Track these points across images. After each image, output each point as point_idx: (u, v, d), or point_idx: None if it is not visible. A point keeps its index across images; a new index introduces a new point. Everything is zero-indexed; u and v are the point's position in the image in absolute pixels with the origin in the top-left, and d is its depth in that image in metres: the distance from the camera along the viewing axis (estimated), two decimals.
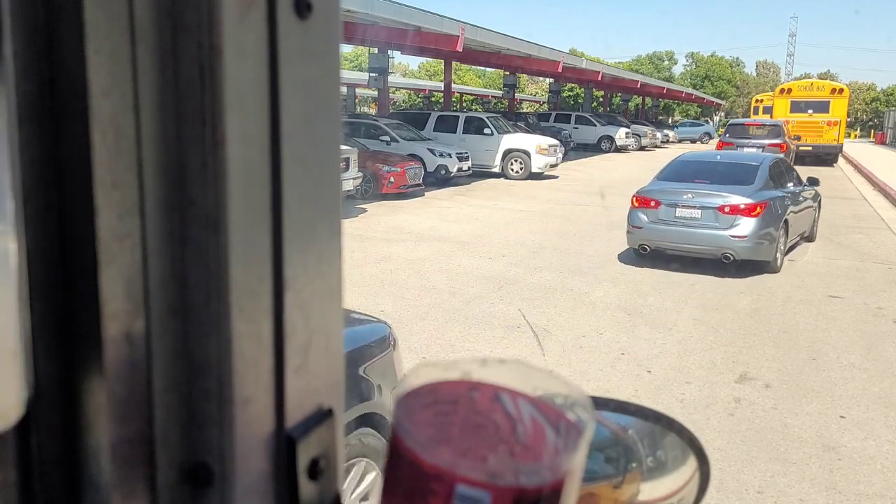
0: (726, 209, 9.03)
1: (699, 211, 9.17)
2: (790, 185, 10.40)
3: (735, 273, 9.13)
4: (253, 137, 0.37)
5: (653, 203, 9.46)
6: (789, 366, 6.03)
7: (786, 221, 9.54)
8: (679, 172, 10.18)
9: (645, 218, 9.48)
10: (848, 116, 40.70)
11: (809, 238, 11.51)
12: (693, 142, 45.76)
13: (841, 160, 31.37)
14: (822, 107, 30.67)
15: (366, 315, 3.45)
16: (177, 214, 0.37)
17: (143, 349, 0.37)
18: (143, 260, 0.36)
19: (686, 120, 55.62)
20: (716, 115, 74.80)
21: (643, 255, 9.69)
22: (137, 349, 0.36)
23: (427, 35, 19.15)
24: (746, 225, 8.95)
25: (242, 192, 0.37)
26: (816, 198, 11.55)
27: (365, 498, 2.92)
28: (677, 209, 9.29)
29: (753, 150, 18.65)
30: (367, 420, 2.84)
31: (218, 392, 0.38)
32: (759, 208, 9.01)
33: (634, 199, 9.72)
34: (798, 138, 28.08)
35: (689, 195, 9.29)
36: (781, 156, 12.14)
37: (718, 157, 11.64)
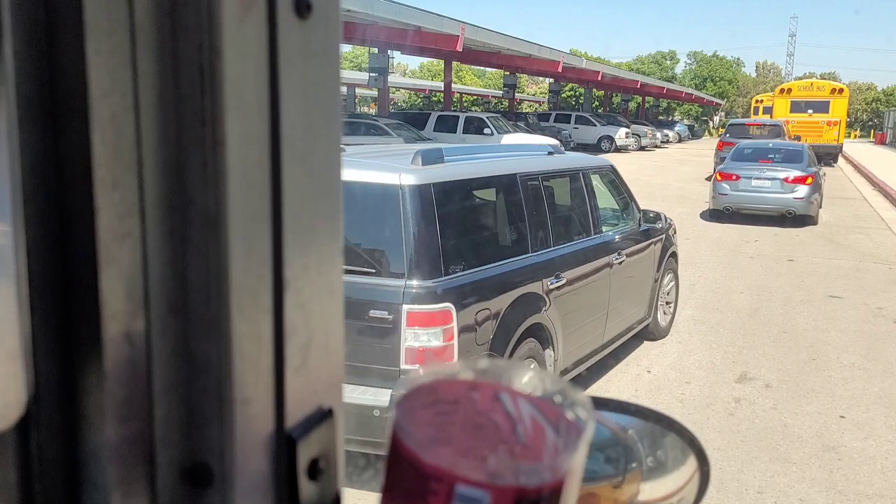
0: (790, 179, 13.01)
1: (769, 181, 13.11)
2: (813, 165, 14.18)
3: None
4: (253, 137, 0.37)
5: (734, 176, 13.42)
6: (789, 366, 6.03)
7: (821, 188, 13.72)
8: (743, 155, 14.41)
9: (728, 187, 13.38)
10: (848, 116, 40.67)
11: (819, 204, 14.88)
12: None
13: (841, 160, 31.34)
14: (822, 107, 30.62)
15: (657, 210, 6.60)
16: (177, 214, 0.37)
17: (143, 349, 0.37)
18: (143, 260, 0.36)
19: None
20: (716, 115, 74.76)
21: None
22: (137, 349, 0.36)
23: (427, 35, 19.16)
24: (803, 190, 12.95)
25: (242, 192, 0.37)
26: (825, 174, 15.68)
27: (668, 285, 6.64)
28: (752, 180, 13.18)
29: None
30: (672, 254, 6.53)
31: (218, 392, 0.38)
32: (810, 178, 13.06)
33: (718, 174, 13.85)
34: (798, 138, 27.99)
35: (762, 170, 13.28)
36: (808, 144, 16.25)
37: (770, 144, 15.77)
